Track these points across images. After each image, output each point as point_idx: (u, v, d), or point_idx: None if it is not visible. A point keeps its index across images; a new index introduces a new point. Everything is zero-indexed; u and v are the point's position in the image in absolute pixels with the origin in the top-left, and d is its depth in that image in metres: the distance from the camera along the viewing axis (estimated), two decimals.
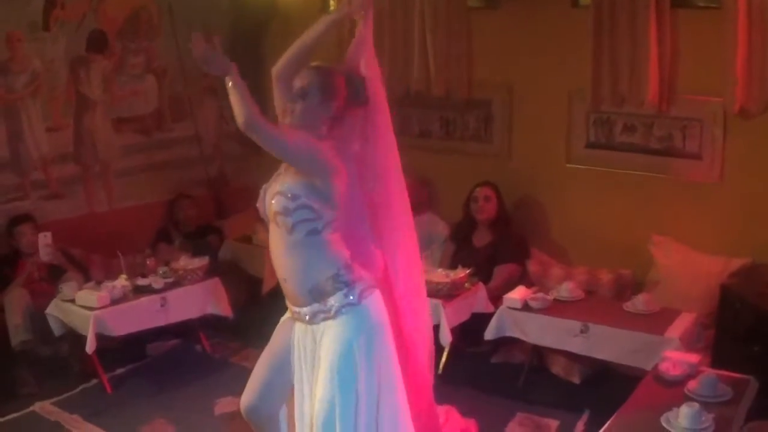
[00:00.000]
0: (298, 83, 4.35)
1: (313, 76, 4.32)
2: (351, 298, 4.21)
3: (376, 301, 4.31)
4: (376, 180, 4.67)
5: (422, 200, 8.18)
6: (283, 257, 4.28)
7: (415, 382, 4.82)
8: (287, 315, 4.51)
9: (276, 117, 4.56)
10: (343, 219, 4.30)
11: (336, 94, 4.34)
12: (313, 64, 4.44)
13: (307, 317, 4.29)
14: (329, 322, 4.22)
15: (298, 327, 4.40)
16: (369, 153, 4.61)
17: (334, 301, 4.21)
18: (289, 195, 4.13)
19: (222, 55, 4.11)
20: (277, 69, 4.52)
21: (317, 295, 4.23)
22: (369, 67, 4.57)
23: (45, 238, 7.04)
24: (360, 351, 4.17)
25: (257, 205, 4.39)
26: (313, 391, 4.27)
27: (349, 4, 4.48)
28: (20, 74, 7.84)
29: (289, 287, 4.32)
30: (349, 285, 4.23)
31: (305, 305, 4.28)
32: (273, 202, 4.19)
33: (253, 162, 8.83)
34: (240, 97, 4.00)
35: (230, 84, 4.05)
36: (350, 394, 4.16)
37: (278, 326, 4.59)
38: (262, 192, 4.36)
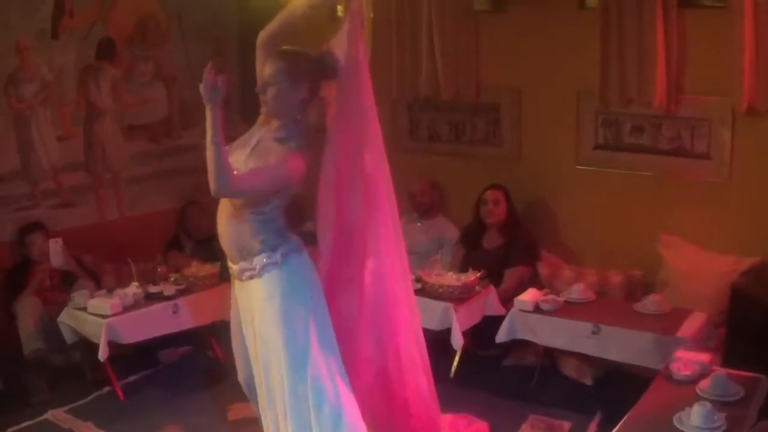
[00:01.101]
0: (267, 70, 4.44)
1: (281, 62, 4.40)
2: (273, 258, 4.41)
3: (299, 262, 4.50)
4: (357, 153, 4.66)
5: (432, 204, 8.20)
6: (224, 219, 4.51)
7: (414, 401, 4.89)
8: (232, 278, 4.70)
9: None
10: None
11: (304, 77, 4.41)
12: (282, 48, 4.51)
13: (237, 273, 4.54)
14: (255, 280, 4.46)
15: (236, 285, 4.62)
16: (349, 123, 4.62)
17: (258, 261, 4.41)
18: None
19: (218, 95, 4.18)
20: (262, 36, 4.61)
21: (245, 254, 4.46)
22: (353, 42, 4.55)
23: (56, 244, 7.06)
24: (281, 309, 4.39)
25: None
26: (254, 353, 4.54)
27: None
28: (30, 83, 7.85)
29: (224, 243, 4.56)
30: (273, 248, 4.42)
31: (235, 263, 4.53)
32: None
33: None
34: (217, 161, 4.14)
35: (210, 139, 4.16)
36: (279, 352, 4.40)
37: (231, 296, 4.76)
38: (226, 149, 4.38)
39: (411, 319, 4.99)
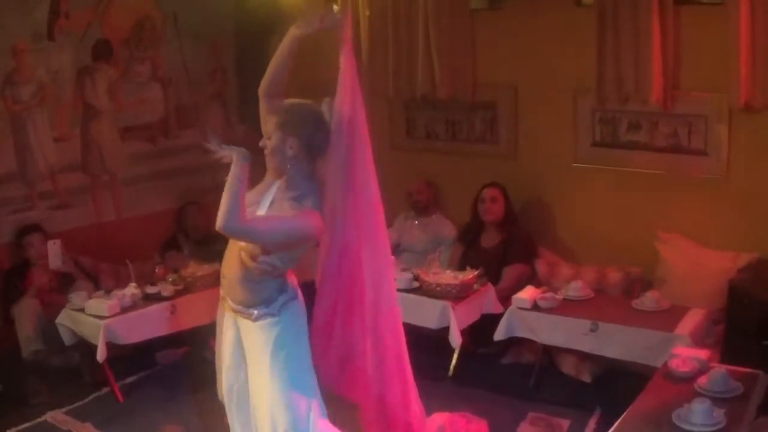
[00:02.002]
0: (270, 120, 4.39)
1: (275, 116, 4.34)
2: (271, 310, 4.39)
3: (294, 311, 4.47)
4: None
5: (429, 202, 8.21)
6: (231, 263, 4.45)
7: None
8: (222, 294, 4.68)
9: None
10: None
11: (293, 131, 4.30)
12: (287, 101, 4.43)
13: (233, 310, 4.52)
14: (248, 322, 4.44)
15: (227, 312, 4.60)
16: (337, 176, 4.48)
17: (254, 311, 4.40)
18: (261, 248, 4.26)
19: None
20: (260, 88, 4.53)
21: (243, 302, 4.44)
22: (344, 88, 4.41)
23: (54, 246, 7.06)
24: (272, 356, 4.38)
25: None
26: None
27: (320, 21, 4.40)
28: (26, 85, 7.86)
29: (224, 282, 4.56)
30: (272, 301, 4.40)
31: (232, 302, 4.50)
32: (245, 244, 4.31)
33: (261, 169, 8.86)
34: (233, 195, 4.12)
35: (234, 177, 4.15)
36: (266, 393, 4.43)
37: (218, 309, 4.76)
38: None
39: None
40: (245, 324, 4.45)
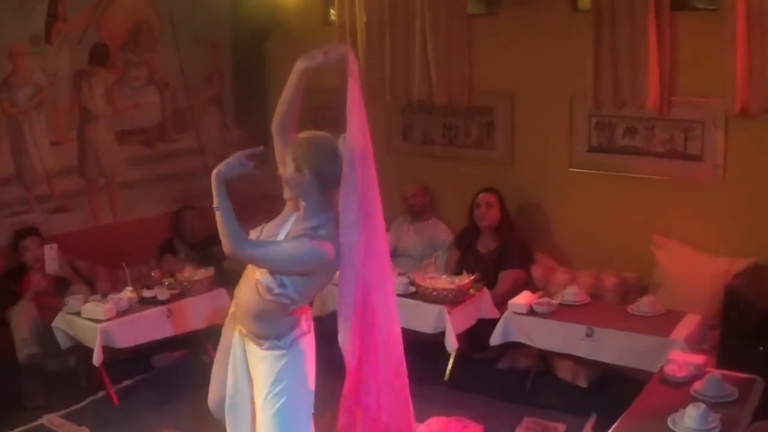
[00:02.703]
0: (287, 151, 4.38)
1: (290, 148, 4.32)
2: (282, 343, 4.35)
3: (304, 347, 4.44)
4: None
5: (425, 206, 8.22)
6: (247, 299, 4.40)
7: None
8: (232, 310, 4.65)
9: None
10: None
11: (305, 163, 4.26)
12: (303, 134, 4.39)
13: (242, 332, 4.49)
14: (256, 349, 4.41)
15: (236, 331, 4.55)
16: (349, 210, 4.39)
17: (267, 343, 4.37)
18: (278, 280, 4.20)
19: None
20: (273, 125, 4.50)
21: (254, 330, 4.41)
22: (353, 126, 4.32)
23: (51, 250, 7.06)
24: (276, 388, 4.35)
25: (251, 235, 4.40)
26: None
27: (324, 55, 4.37)
28: (23, 88, 7.85)
29: (238, 313, 4.52)
30: (283, 336, 4.37)
31: (244, 328, 4.47)
32: (260, 270, 4.26)
33: (258, 172, 8.87)
34: (227, 220, 4.17)
35: (217, 208, 4.19)
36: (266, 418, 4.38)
37: (225, 322, 4.72)
38: (260, 228, 4.45)
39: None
40: (253, 348, 4.43)
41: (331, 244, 4.24)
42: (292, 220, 4.38)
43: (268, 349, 4.35)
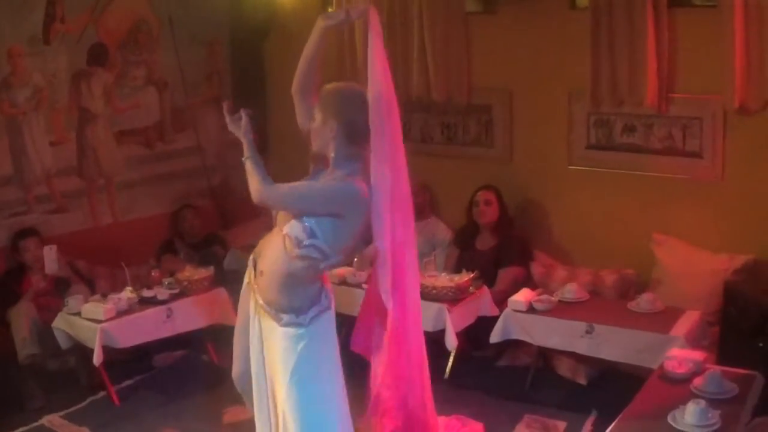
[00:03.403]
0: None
1: (322, 96, 4.34)
2: (301, 320, 4.28)
3: (324, 324, 4.36)
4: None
5: (424, 205, 8.21)
6: (273, 261, 4.32)
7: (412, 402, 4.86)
8: (247, 280, 4.58)
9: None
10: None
11: (332, 113, 4.29)
12: (330, 84, 4.42)
13: (259, 301, 4.39)
14: (273, 323, 4.31)
15: (252, 303, 4.47)
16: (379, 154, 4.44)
17: (285, 318, 4.28)
18: (307, 230, 4.15)
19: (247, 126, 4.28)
20: (293, 85, 4.51)
21: (274, 305, 4.32)
22: (377, 73, 4.38)
23: (51, 251, 7.05)
24: (295, 373, 4.27)
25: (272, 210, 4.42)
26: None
27: (346, 13, 4.42)
28: (22, 89, 7.85)
29: (261, 280, 4.38)
30: (303, 311, 4.30)
31: (262, 299, 4.37)
32: (289, 222, 4.20)
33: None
34: (257, 168, 4.21)
35: (248, 160, 4.24)
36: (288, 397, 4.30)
37: (242, 293, 4.66)
38: None
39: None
40: (269, 324, 4.34)
41: (361, 180, 4.25)
42: (320, 176, 4.35)
43: (286, 325, 4.27)
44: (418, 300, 4.85)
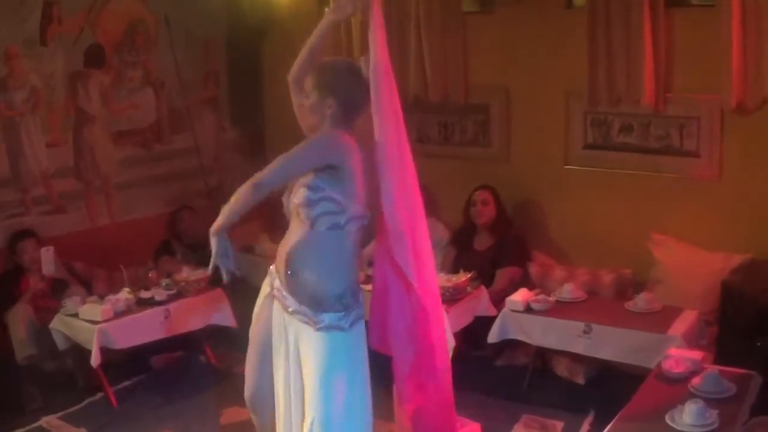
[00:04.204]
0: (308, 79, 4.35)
1: (310, 76, 4.31)
2: (342, 322, 4.21)
3: (359, 333, 4.32)
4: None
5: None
6: (298, 250, 4.24)
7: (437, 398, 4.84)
8: (265, 291, 4.50)
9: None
10: (366, 215, 4.28)
11: (329, 89, 4.25)
12: (323, 59, 4.44)
13: (290, 309, 4.27)
14: (309, 329, 4.21)
15: (276, 306, 4.39)
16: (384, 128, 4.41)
17: (326, 318, 4.20)
18: (313, 186, 4.10)
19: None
20: (290, 74, 4.52)
21: (315, 303, 4.21)
22: (379, 62, 4.33)
23: (47, 253, 7.05)
24: (336, 375, 4.19)
25: (282, 198, 4.35)
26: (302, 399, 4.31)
27: (353, 5, 4.39)
28: (18, 90, 7.84)
29: (292, 281, 4.26)
30: (347, 309, 4.23)
31: (296, 302, 4.25)
32: (297, 193, 4.17)
33: (253, 171, 8.84)
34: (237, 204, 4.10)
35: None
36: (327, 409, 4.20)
37: (257, 309, 4.57)
38: (289, 184, 4.31)
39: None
40: (305, 331, 4.23)
41: (343, 132, 4.22)
42: None
43: (327, 329, 4.19)
44: (435, 273, 4.79)
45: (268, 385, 4.52)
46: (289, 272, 4.27)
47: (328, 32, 4.48)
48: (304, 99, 4.36)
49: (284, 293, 4.30)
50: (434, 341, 4.68)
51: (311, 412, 4.21)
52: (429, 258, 4.62)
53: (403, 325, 4.53)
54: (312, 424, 4.19)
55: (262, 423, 4.68)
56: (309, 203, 4.11)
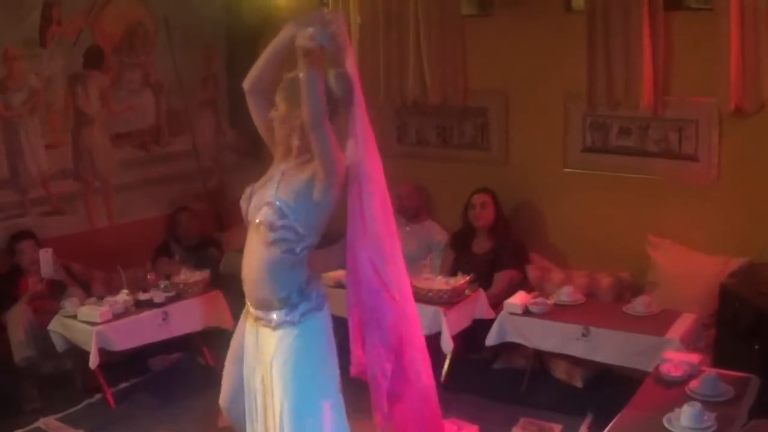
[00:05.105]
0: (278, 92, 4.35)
1: (285, 86, 4.29)
2: (291, 317, 4.30)
3: (317, 322, 4.38)
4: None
5: (420, 208, 8.21)
6: (250, 259, 4.35)
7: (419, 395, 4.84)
8: (245, 309, 4.58)
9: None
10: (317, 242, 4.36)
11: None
12: (289, 74, 4.32)
13: (254, 318, 4.41)
14: (268, 331, 4.34)
15: (248, 323, 4.49)
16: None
17: (276, 317, 4.32)
18: (278, 211, 4.16)
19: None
20: (247, 83, 4.45)
21: (264, 305, 4.35)
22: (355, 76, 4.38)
23: (46, 255, 7.05)
24: (293, 368, 4.27)
25: (240, 202, 4.40)
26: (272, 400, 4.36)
27: (321, 47, 4.28)
28: (18, 91, 7.85)
29: (245, 288, 4.43)
30: (293, 306, 4.32)
31: (253, 307, 4.41)
32: (260, 211, 4.22)
33: (252, 173, 8.84)
34: (315, 91, 4.03)
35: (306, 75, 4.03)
36: (286, 405, 4.27)
37: (239, 322, 4.65)
38: (248, 190, 4.38)
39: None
40: (264, 333, 4.36)
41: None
42: (281, 167, 4.34)
43: (279, 327, 4.29)
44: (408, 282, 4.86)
45: (242, 392, 4.58)
46: (242, 279, 4.44)
47: (288, 47, 4.31)
48: (271, 111, 4.35)
49: (249, 305, 4.48)
50: (415, 345, 4.75)
51: (276, 417, 4.30)
52: (403, 266, 4.76)
53: (378, 335, 4.60)
54: (282, 413, 4.27)
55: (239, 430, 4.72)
56: (270, 226, 4.20)
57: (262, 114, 4.43)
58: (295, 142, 4.30)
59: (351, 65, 4.36)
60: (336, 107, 4.30)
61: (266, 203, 4.21)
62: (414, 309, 4.86)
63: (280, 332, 4.30)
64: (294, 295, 4.32)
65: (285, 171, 4.31)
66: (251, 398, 4.48)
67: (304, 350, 4.31)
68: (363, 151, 4.41)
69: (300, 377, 4.27)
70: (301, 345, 4.31)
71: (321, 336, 4.40)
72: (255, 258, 4.32)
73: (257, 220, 4.23)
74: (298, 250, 4.24)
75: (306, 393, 4.28)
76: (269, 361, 4.31)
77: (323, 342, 4.40)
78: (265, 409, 4.39)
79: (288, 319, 4.30)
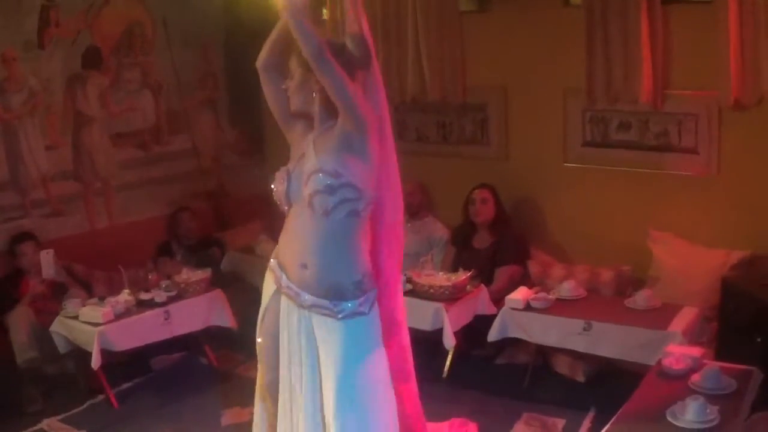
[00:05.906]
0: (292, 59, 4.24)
1: (299, 54, 4.11)
2: (363, 308, 4.10)
3: (377, 313, 4.21)
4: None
5: (421, 204, 8.21)
6: (311, 241, 4.10)
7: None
8: (271, 288, 4.37)
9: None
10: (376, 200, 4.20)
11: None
12: None
13: (306, 304, 4.14)
14: (330, 321, 4.09)
15: (285, 303, 4.26)
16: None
17: (348, 306, 4.08)
18: (333, 172, 3.95)
19: None
20: (260, 60, 4.39)
21: (333, 293, 4.08)
22: (357, 16, 4.42)
23: (47, 256, 7.05)
24: (359, 360, 4.09)
25: (273, 187, 4.21)
26: (322, 395, 4.18)
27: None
28: (17, 93, 7.84)
29: (307, 274, 4.12)
30: (366, 293, 4.12)
31: (312, 296, 4.11)
32: (309, 182, 4.00)
33: (252, 172, 8.86)
34: (302, 26, 3.90)
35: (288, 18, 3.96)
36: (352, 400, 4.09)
37: (264, 305, 4.43)
38: (282, 173, 4.20)
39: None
40: (326, 322, 4.10)
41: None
42: (310, 137, 4.18)
43: (350, 317, 4.07)
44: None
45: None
46: (301, 265, 4.15)
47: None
48: (286, 82, 4.23)
49: (296, 290, 4.17)
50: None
51: (338, 399, 4.07)
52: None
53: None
54: (339, 409, 4.07)
55: (276, 411, 4.49)
56: (329, 190, 3.96)
57: (277, 89, 4.31)
58: (315, 109, 4.18)
59: (365, 29, 4.35)
60: (353, 70, 4.14)
61: (313, 172, 4.00)
62: (402, 309, 4.77)
63: (349, 322, 4.09)
64: (368, 278, 4.14)
65: (315, 140, 4.14)
66: (290, 387, 4.30)
67: (374, 340, 4.17)
68: (383, 112, 4.33)
69: (368, 368, 4.12)
70: (372, 334, 4.17)
71: (380, 323, 4.25)
72: (312, 236, 4.08)
73: (310, 191, 3.99)
74: (361, 208, 4.04)
75: (370, 380, 4.13)
76: (340, 355, 4.09)
77: (380, 334, 4.25)
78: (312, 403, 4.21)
79: (358, 309, 4.08)
